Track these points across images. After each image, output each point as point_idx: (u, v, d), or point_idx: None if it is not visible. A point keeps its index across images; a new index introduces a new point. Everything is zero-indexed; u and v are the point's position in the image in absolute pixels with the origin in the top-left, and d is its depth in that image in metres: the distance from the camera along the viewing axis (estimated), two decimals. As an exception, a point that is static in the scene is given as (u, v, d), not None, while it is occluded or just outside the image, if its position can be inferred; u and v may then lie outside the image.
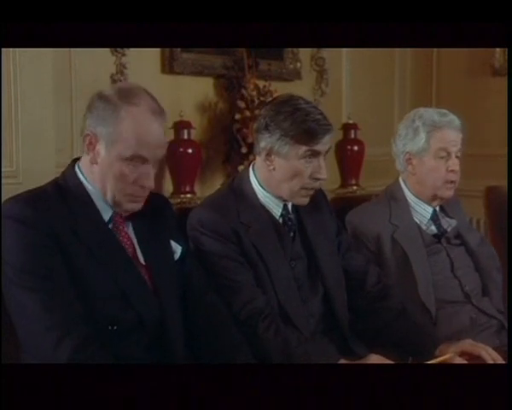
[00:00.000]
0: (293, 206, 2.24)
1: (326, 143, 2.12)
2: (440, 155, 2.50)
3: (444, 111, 2.55)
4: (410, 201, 2.58)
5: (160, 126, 1.83)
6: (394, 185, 2.63)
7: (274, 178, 2.16)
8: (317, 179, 2.14)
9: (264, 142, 2.13)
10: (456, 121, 2.52)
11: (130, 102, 1.79)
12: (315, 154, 2.11)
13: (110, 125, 1.77)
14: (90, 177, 1.85)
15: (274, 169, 2.14)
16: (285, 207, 2.21)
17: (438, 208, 2.61)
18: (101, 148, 1.80)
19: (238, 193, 2.18)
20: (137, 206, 1.87)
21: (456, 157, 2.52)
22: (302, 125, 2.08)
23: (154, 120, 1.81)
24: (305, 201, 2.18)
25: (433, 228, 2.57)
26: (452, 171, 2.50)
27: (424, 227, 2.56)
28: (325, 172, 2.14)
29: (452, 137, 2.51)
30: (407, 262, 2.45)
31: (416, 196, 2.57)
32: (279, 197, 2.18)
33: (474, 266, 2.58)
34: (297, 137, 2.08)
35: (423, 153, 2.52)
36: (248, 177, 2.21)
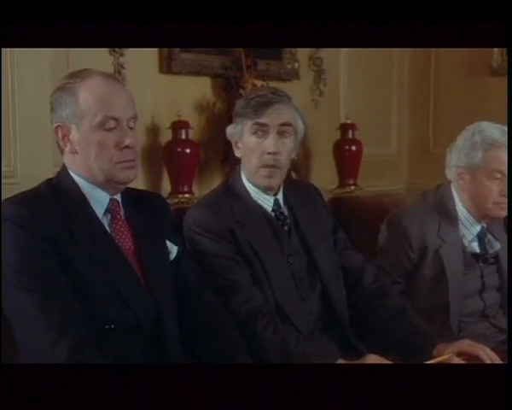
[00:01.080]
0: (285, 201, 2.24)
1: (273, 115, 2.12)
2: (495, 176, 2.38)
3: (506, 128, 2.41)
4: (460, 214, 2.48)
5: (117, 87, 1.86)
6: (445, 191, 2.51)
7: (243, 166, 2.20)
8: (269, 154, 2.13)
9: (227, 130, 2.21)
10: None
11: (82, 78, 1.83)
12: (263, 127, 2.13)
13: (72, 106, 1.81)
14: (75, 169, 1.85)
15: (241, 155, 2.20)
16: (276, 201, 2.22)
17: (485, 225, 2.51)
18: (73, 132, 1.82)
19: (232, 192, 2.20)
20: (132, 173, 1.86)
21: None
22: (248, 102, 2.14)
23: (109, 83, 1.84)
24: (269, 182, 2.17)
25: (475, 246, 2.49)
26: (505, 195, 2.37)
27: (466, 244, 2.47)
28: (274, 146, 2.13)
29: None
30: (444, 280, 2.40)
31: (468, 211, 2.47)
32: (263, 189, 2.19)
33: (499, 286, 2.52)
34: (244, 113, 2.14)
35: (477, 171, 2.40)
36: (240, 175, 2.23)
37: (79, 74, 1.85)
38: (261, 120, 2.12)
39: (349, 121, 4.31)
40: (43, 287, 1.70)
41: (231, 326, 1.98)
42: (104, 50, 3.35)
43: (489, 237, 2.52)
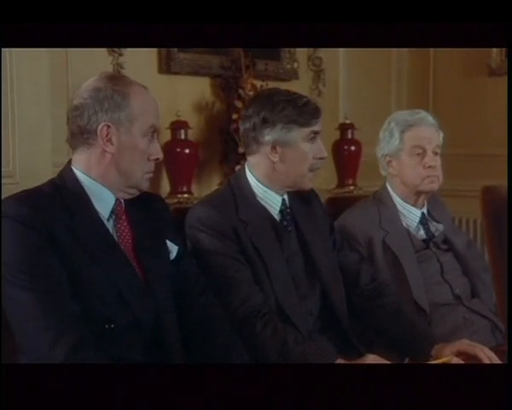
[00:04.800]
0: (289, 202, 2.25)
1: (320, 122, 2.20)
2: (415, 152, 2.53)
3: (417, 110, 2.60)
4: (398, 205, 2.59)
5: (152, 97, 1.91)
6: (382, 191, 2.65)
7: (278, 171, 2.18)
8: (321, 159, 2.21)
9: (267, 136, 2.16)
10: (429, 118, 2.56)
11: (126, 84, 1.87)
12: (316, 134, 2.18)
13: (127, 109, 1.82)
14: (96, 172, 1.84)
15: (280, 160, 2.17)
16: (283, 201, 2.23)
17: (426, 212, 2.62)
18: (120, 134, 1.82)
19: (236, 191, 2.20)
20: (148, 183, 1.92)
21: (435, 153, 2.54)
22: (303, 108, 2.15)
23: (148, 93, 1.90)
24: (313, 183, 2.24)
25: (422, 233, 2.58)
26: (430, 167, 2.52)
27: (413, 232, 2.57)
28: (325, 151, 2.22)
29: (426, 133, 2.53)
30: (399, 266, 2.46)
31: (404, 200, 2.59)
32: (280, 189, 2.21)
33: (462, 270, 2.59)
34: (301, 121, 2.15)
35: (400, 153, 2.56)
36: (245, 175, 2.22)
37: (119, 78, 1.90)
38: (317, 128, 2.18)
39: (348, 121, 4.32)
40: (42, 285, 1.70)
41: (229, 327, 1.98)
42: (103, 50, 3.35)
43: (431, 222, 2.62)
